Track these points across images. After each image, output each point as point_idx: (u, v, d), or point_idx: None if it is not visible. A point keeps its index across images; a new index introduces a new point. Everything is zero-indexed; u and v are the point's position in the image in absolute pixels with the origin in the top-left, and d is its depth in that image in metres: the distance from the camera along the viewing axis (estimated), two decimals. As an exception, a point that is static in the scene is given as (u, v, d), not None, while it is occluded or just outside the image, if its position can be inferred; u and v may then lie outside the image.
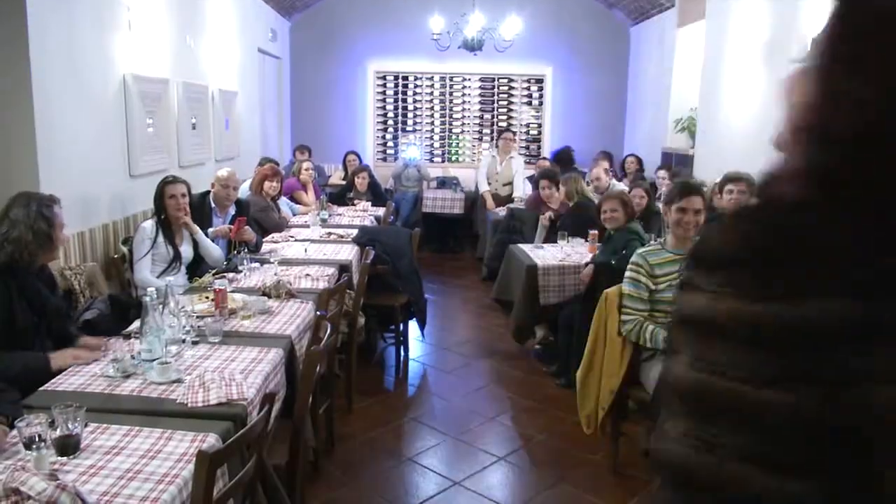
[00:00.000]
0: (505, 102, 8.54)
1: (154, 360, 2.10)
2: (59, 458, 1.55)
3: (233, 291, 2.96)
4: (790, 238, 0.40)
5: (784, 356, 0.38)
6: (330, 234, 4.73)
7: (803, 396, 0.37)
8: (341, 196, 6.36)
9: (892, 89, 0.35)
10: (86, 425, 1.65)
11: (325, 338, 2.54)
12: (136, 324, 2.40)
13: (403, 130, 8.75)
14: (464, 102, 8.61)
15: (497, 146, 6.96)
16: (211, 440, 1.67)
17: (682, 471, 0.39)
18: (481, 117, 8.40)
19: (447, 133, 8.72)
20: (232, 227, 3.78)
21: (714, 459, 0.39)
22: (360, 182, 6.36)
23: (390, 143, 8.79)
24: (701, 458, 0.40)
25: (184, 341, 2.35)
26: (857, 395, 0.35)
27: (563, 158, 6.99)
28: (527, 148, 8.68)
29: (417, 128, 8.72)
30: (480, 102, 8.53)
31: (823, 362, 0.37)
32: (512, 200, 6.34)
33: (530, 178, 6.71)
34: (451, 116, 8.66)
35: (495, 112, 8.54)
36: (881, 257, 0.35)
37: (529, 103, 8.51)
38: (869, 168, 0.35)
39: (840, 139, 0.37)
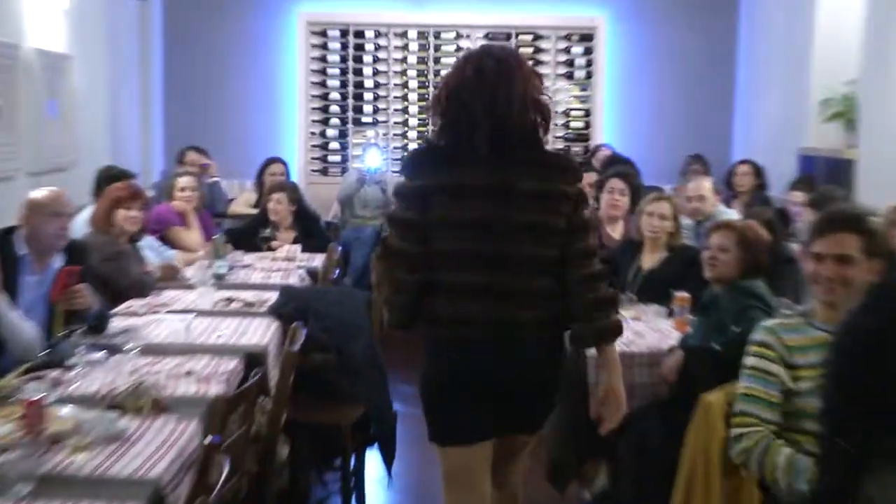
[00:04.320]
0: (528, 75, 8.80)
1: None
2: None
3: (57, 402, 2.86)
4: (423, 155, 2.81)
5: (416, 201, 2.47)
6: (230, 300, 4.52)
7: (418, 213, 2.49)
8: (250, 234, 6.03)
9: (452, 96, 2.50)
10: None
11: (221, 483, 2.52)
12: None
13: (357, 123, 8.11)
14: (459, 75, 8.71)
15: None
16: None
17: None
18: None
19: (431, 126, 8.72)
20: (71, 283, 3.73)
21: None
22: (281, 210, 5.99)
23: (334, 145, 8.20)
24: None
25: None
26: (431, 212, 2.42)
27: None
28: (565, 152, 7.91)
29: (380, 118, 8.14)
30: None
31: (425, 202, 2.44)
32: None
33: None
34: (437, 99, 8.74)
35: (513, 91, 8.71)
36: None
37: (569, 75, 8.16)
38: (446, 128, 2.53)
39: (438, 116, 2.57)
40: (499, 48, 2.64)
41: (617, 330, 2.60)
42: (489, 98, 2.41)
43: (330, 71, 8.20)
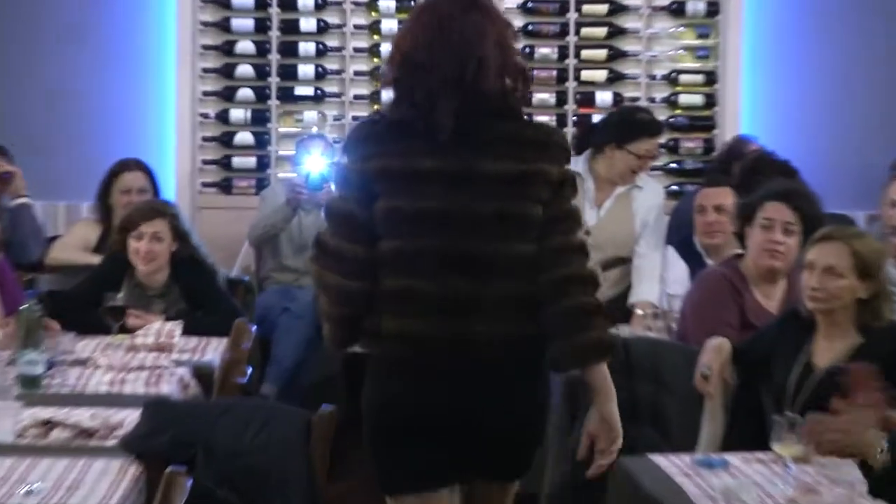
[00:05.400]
0: (602, 7, 6.71)
1: None
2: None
3: None
4: (369, 129, 3.39)
5: (359, 188, 2.98)
6: (50, 424, 4.30)
7: (363, 204, 2.98)
8: (88, 301, 5.64)
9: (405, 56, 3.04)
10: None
11: None
12: None
13: (286, 97, 6.81)
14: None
15: (593, 155, 5.86)
16: None
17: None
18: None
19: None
20: None
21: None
22: (153, 251, 5.50)
23: (245, 138, 6.88)
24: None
25: None
26: (377, 201, 2.94)
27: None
28: (671, 149, 6.77)
29: (329, 88, 6.86)
30: (523, 9, 6.73)
31: (370, 189, 2.99)
32: (632, 313, 5.53)
33: (683, 201, 6.30)
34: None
35: (571, 40, 6.72)
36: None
37: (677, 10, 6.78)
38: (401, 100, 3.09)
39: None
40: None
41: (606, 347, 2.83)
42: (456, 61, 2.72)
43: (237, 3, 6.63)
